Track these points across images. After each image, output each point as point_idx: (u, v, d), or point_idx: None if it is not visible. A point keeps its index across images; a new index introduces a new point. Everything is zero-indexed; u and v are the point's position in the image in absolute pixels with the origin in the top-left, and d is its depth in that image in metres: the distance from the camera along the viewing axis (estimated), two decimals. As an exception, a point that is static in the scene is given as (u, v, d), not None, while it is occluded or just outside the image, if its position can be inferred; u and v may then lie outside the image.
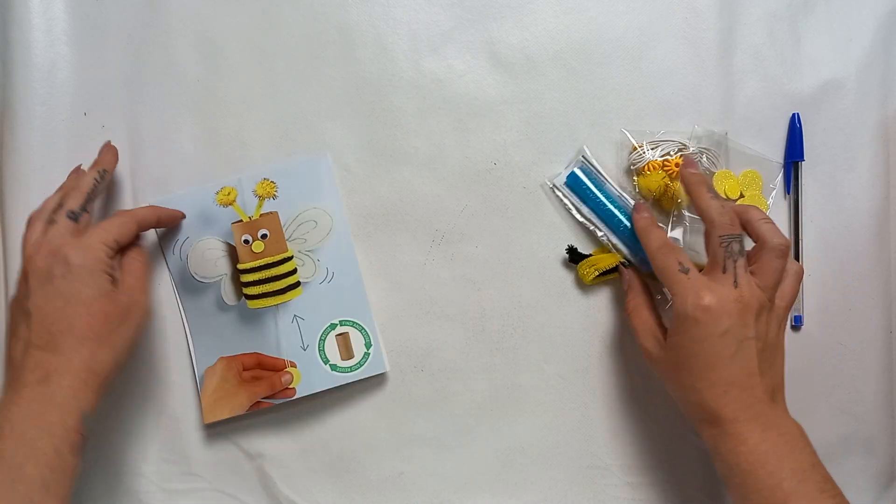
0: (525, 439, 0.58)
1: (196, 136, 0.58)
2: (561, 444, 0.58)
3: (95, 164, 0.54)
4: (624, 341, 0.57)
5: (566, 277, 0.58)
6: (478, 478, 0.58)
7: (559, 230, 0.58)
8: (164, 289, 0.57)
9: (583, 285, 0.58)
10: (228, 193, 0.57)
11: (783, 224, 0.58)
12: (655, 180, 0.55)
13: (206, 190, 0.57)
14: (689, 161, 0.53)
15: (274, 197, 0.57)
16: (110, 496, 0.58)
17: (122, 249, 0.51)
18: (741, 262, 0.47)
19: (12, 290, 0.57)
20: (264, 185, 0.57)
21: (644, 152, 0.56)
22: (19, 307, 0.48)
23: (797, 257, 0.58)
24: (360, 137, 0.57)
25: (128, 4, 0.58)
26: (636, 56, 0.58)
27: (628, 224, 0.55)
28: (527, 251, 0.58)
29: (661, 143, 0.56)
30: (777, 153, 0.58)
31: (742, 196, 0.56)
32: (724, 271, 0.47)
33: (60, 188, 0.52)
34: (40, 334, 0.46)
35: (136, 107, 0.58)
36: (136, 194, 0.57)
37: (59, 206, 0.49)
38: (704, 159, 0.56)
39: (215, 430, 0.58)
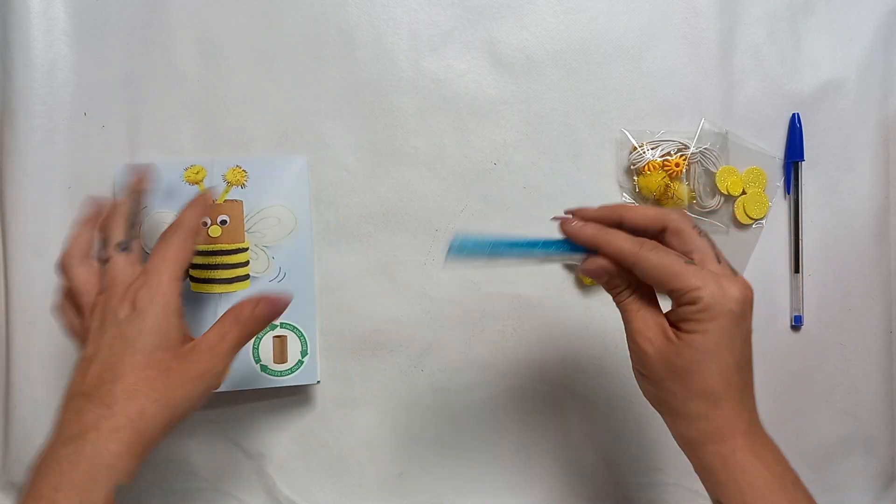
0: (525, 439, 0.58)
1: (196, 136, 0.58)
2: (561, 444, 0.58)
3: (128, 187, 0.49)
4: (624, 341, 0.57)
5: (566, 277, 0.58)
6: (478, 478, 0.58)
7: (559, 230, 0.58)
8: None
9: (583, 285, 0.58)
10: (197, 172, 0.56)
11: (783, 224, 0.58)
12: (655, 180, 0.55)
13: (176, 164, 0.56)
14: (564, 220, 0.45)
15: (242, 186, 0.56)
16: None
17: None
18: (722, 254, 0.41)
19: (12, 289, 0.57)
20: (235, 172, 0.56)
21: (644, 152, 0.56)
22: (83, 351, 0.42)
23: (797, 257, 0.58)
24: (360, 137, 0.57)
25: (128, 4, 0.58)
26: (636, 56, 0.58)
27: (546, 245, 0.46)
28: (527, 251, 0.58)
29: (661, 142, 0.56)
30: (777, 153, 0.58)
31: (744, 193, 0.56)
32: (720, 261, 0.40)
33: (84, 222, 0.47)
34: (90, 381, 0.40)
35: (136, 107, 0.58)
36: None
37: (103, 242, 0.45)
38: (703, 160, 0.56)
39: (215, 429, 0.57)
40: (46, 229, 0.57)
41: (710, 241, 0.40)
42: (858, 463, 0.58)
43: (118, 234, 0.45)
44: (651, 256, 0.40)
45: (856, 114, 0.58)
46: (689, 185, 0.56)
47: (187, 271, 0.41)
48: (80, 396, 0.40)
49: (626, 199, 0.57)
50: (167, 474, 0.58)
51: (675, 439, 0.41)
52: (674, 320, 0.40)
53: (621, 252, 0.40)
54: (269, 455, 0.58)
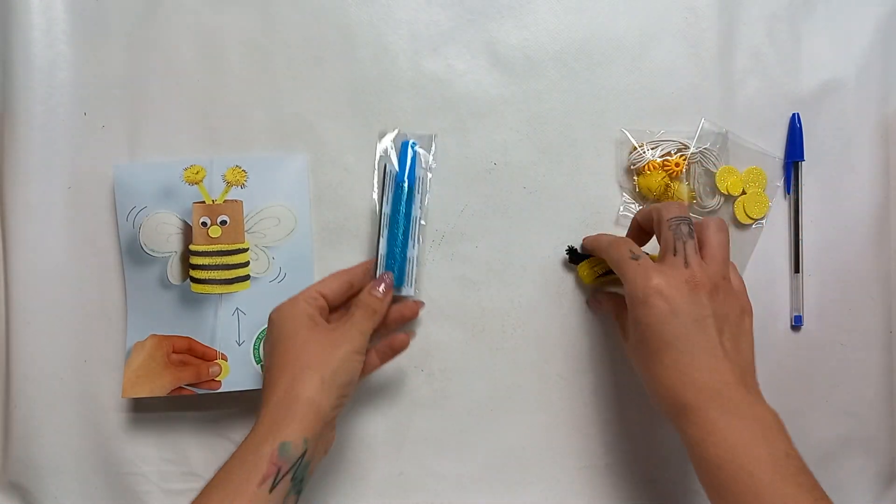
0: (525, 439, 0.58)
1: (196, 135, 0.58)
2: (561, 444, 0.58)
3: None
4: (624, 341, 0.57)
5: (566, 277, 0.58)
6: (478, 478, 0.58)
7: (559, 230, 0.58)
8: (112, 254, 0.57)
9: (583, 285, 0.58)
10: (197, 172, 0.56)
11: (783, 224, 0.58)
12: (655, 180, 0.55)
13: (176, 164, 0.56)
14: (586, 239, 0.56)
15: (242, 186, 0.56)
16: (110, 496, 0.58)
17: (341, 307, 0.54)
18: (690, 243, 0.46)
19: (12, 289, 0.57)
20: (235, 171, 0.56)
21: (644, 152, 0.56)
22: None
23: (797, 257, 0.58)
24: (360, 137, 0.57)
25: (128, 4, 0.58)
26: (636, 56, 0.58)
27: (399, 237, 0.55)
28: (527, 251, 0.58)
29: (661, 142, 0.56)
30: (777, 153, 0.58)
31: (744, 193, 0.56)
32: (675, 253, 0.46)
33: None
34: (264, 386, 0.48)
35: (136, 107, 0.58)
36: (136, 194, 0.57)
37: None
38: (703, 160, 0.56)
39: (215, 429, 0.57)
40: (46, 229, 0.57)
41: (678, 232, 0.46)
42: (858, 463, 0.58)
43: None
44: (611, 251, 0.49)
45: (856, 114, 0.58)
46: (689, 184, 0.56)
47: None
48: (265, 392, 0.47)
49: (626, 199, 0.57)
50: (167, 474, 0.58)
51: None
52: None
53: (599, 247, 0.52)
54: (269, 455, 0.57)
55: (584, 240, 0.55)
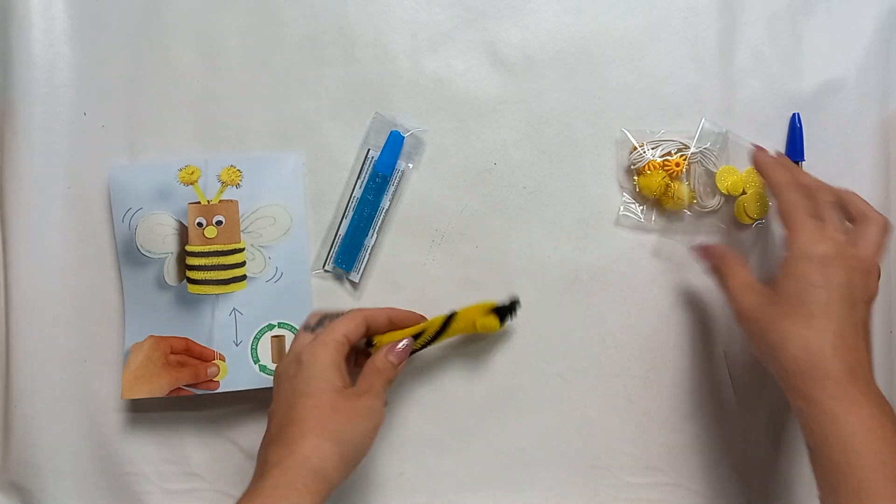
0: (525, 439, 0.58)
1: (196, 135, 0.58)
2: (561, 444, 0.58)
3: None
4: (624, 341, 0.57)
5: (566, 277, 0.58)
6: (478, 478, 0.58)
7: (559, 230, 0.58)
8: (108, 255, 0.57)
9: (583, 285, 0.58)
10: (192, 172, 0.56)
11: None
12: (656, 180, 0.55)
13: (171, 164, 0.56)
14: (761, 150, 0.52)
15: (237, 185, 0.56)
16: (110, 496, 0.58)
17: (362, 352, 0.53)
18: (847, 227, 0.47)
19: (12, 289, 0.57)
20: (230, 171, 0.56)
21: (644, 152, 0.56)
22: (268, 410, 0.48)
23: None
24: (359, 137, 0.57)
25: (128, 4, 0.58)
26: (636, 56, 0.58)
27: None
28: (527, 251, 0.58)
29: (662, 142, 0.56)
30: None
31: (744, 193, 0.56)
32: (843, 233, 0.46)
33: (314, 312, 0.53)
34: (273, 430, 0.46)
35: (136, 107, 0.58)
36: (136, 194, 0.57)
37: (306, 324, 0.52)
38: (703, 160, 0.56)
39: (215, 429, 0.57)
40: (46, 229, 0.57)
41: (833, 211, 0.46)
42: (858, 463, 0.58)
43: (312, 322, 0.51)
44: (789, 193, 0.47)
45: (856, 114, 0.58)
46: (689, 184, 0.56)
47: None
48: (266, 445, 0.46)
49: (626, 198, 0.57)
50: (167, 474, 0.58)
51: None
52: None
53: (773, 179, 0.49)
54: (269, 455, 0.57)
55: (758, 153, 0.51)
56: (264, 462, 0.44)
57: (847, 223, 0.47)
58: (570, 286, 0.58)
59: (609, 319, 0.57)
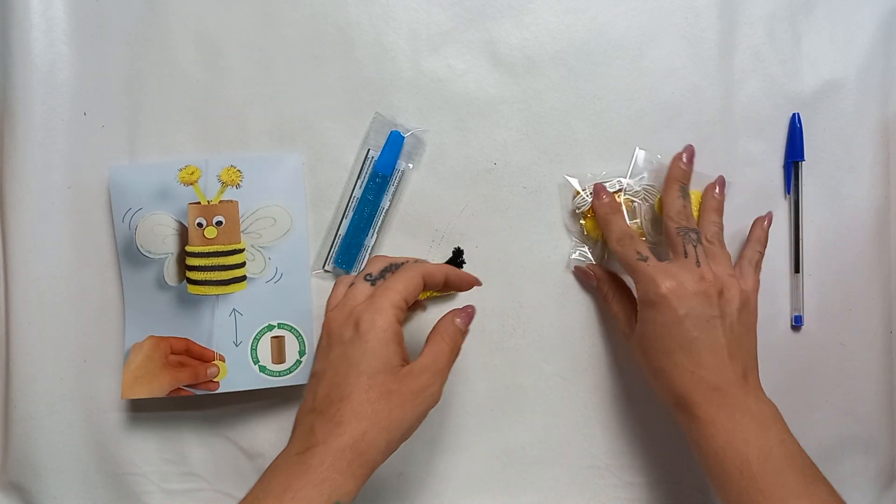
0: (525, 439, 0.58)
1: (196, 135, 0.58)
2: (561, 444, 0.58)
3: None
4: (624, 341, 0.57)
5: (566, 277, 0.58)
6: (478, 478, 0.58)
7: (559, 230, 0.58)
8: (108, 255, 0.57)
9: (583, 285, 0.58)
10: (192, 173, 0.56)
11: (783, 224, 0.58)
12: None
13: (171, 165, 0.56)
14: (600, 189, 0.55)
15: (237, 186, 0.56)
16: (110, 496, 0.58)
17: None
18: (700, 247, 0.49)
19: (12, 289, 0.57)
20: (230, 171, 0.56)
21: (586, 196, 0.56)
22: (314, 367, 0.46)
23: (797, 257, 0.58)
24: (359, 137, 0.57)
25: (128, 4, 0.58)
26: (636, 56, 0.58)
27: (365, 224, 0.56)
28: (527, 251, 0.58)
29: (604, 183, 0.56)
30: (777, 153, 0.58)
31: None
32: (686, 255, 0.48)
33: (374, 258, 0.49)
34: (321, 399, 0.43)
35: (136, 107, 0.58)
36: (136, 194, 0.57)
37: (361, 273, 0.47)
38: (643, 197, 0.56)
39: (215, 430, 0.57)
40: (46, 229, 0.57)
41: (688, 237, 0.49)
42: (858, 463, 0.58)
43: (374, 270, 0.47)
44: (618, 250, 0.51)
45: (856, 114, 0.58)
46: (637, 222, 0.56)
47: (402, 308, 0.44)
48: (312, 413, 0.43)
49: (575, 241, 0.57)
50: (167, 474, 0.58)
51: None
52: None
53: (608, 237, 0.53)
54: (269, 455, 0.57)
55: (595, 201, 0.55)
56: (310, 432, 0.42)
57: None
58: (570, 286, 0.58)
59: (609, 319, 0.57)
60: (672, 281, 0.47)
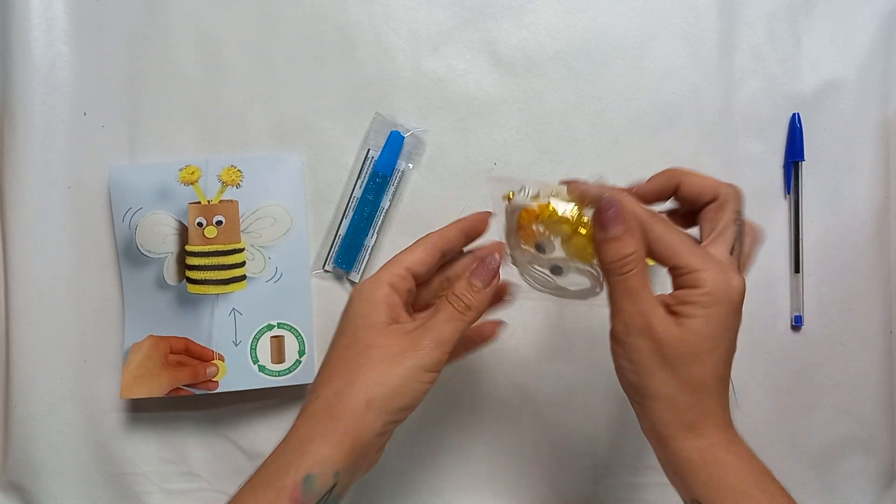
0: (525, 439, 0.58)
1: (196, 135, 0.58)
2: (561, 444, 0.58)
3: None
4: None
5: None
6: (478, 478, 0.58)
7: (559, 230, 0.58)
8: (108, 255, 0.57)
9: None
10: (192, 172, 0.56)
11: (783, 224, 0.58)
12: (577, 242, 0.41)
13: (171, 164, 0.56)
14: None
15: (238, 185, 0.56)
16: (110, 496, 0.58)
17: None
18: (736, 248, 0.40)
19: (12, 289, 0.57)
20: (230, 171, 0.56)
21: (524, 198, 0.42)
22: None
23: (797, 257, 0.57)
24: (359, 137, 0.57)
25: (128, 4, 0.58)
26: (636, 56, 0.58)
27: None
28: (527, 251, 0.58)
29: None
30: (777, 153, 0.58)
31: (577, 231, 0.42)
32: (731, 253, 0.39)
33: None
34: (317, 376, 0.40)
35: (136, 107, 0.58)
36: (136, 194, 0.57)
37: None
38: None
39: (215, 430, 0.57)
40: (46, 229, 0.57)
41: (737, 232, 0.40)
42: (858, 463, 0.58)
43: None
44: (658, 227, 0.38)
45: (856, 114, 0.58)
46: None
47: None
48: (309, 390, 0.41)
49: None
50: (167, 474, 0.58)
51: (645, 430, 0.40)
52: (671, 304, 0.38)
53: (635, 215, 0.38)
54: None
55: (584, 186, 0.40)
56: (301, 411, 0.40)
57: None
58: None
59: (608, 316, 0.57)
60: (742, 283, 0.37)
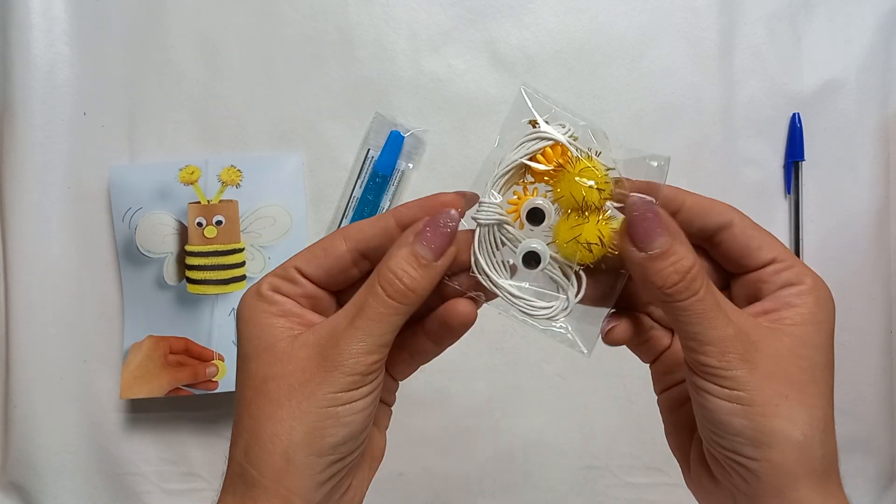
0: (525, 439, 0.58)
1: (196, 135, 0.57)
2: (561, 444, 0.58)
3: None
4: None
5: (566, 277, 0.58)
6: (478, 478, 0.58)
7: (559, 230, 0.58)
8: (108, 255, 0.57)
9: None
10: (192, 172, 0.56)
11: (783, 224, 0.58)
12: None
13: (171, 164, 0.56)
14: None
15: (237, 185, 0.56)
16: (110, 496, 0.58)
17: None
18: None
19: (12, 289, 0.57)
20: (230, 171, 0.56)
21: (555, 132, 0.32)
22: None
23: (797, 257, 0.57)
24: (359, 137, 0.57)
25: (128, 4, 0.58)
26: (636, 56, 0.58)
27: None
28: (527, 251, 0.58)
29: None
30: (777, 153, 0.58)
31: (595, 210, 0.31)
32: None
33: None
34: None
35: (136, 107, 0.58)
36: (136, 194, 0.57)
37: None
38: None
39: (215, 430, 0.57)
40: (46, 229, 0.57)
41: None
42: (858, 463, 0.58)
43: None
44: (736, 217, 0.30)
45: (856, 114, 0.58)
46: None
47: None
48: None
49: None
50: (167, 474, 0.58)
51: (750, 494, 0.28)
52: (756, 313, 0.29)
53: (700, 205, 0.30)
54: (269, 455, 0.57)
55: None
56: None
57: None
58: (570, 286, 0.58)
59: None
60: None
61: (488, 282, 0.31)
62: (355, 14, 0.57)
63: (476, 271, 0.31)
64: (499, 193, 0.33)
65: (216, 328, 0.55)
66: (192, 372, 0.55)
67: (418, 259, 0.29)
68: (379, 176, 0.56)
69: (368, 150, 0.57)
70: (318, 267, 0.30)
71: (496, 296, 0.32)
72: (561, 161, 0.30)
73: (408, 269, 0.29)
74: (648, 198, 0.28)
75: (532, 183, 0.32)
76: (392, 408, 0.36)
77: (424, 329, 0.33)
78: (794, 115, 0.57)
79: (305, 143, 0.57)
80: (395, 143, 0.56)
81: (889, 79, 0.58)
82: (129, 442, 0.57)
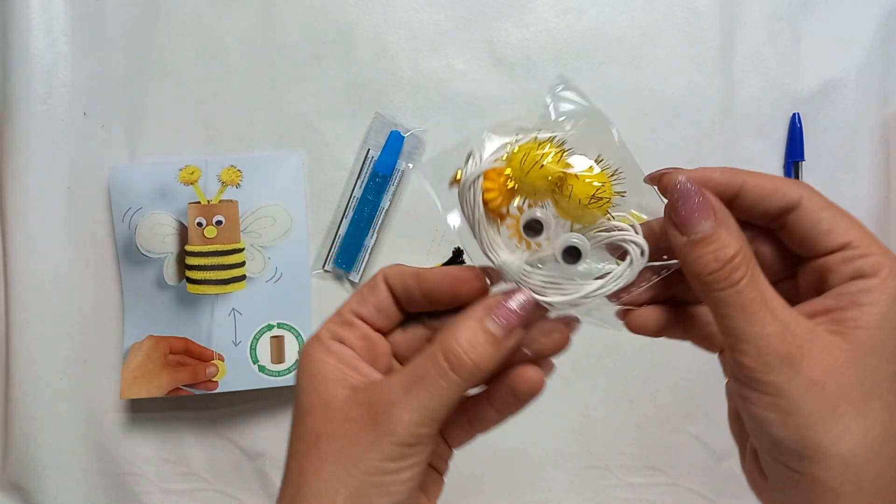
0: (525, 439, 0.58)
1: (196, 135, 0.57)
2: (561, 444, 0.58)
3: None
4: (624, 341, 0.57)
5: (566, 277, 0.58)
6: (478, 478, 0.58)
7: (559, 230, 0.58)
8: (108, 255, 0.57)
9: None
10: (192, 172, 0.56)
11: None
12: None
13: (171, 164, 0.56)
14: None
15: (237, 185, 0.56)
16: (110, 496, 0.58)
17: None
18: None
19: (12, 289, 0.57)
20: (230, 171, 0.56)
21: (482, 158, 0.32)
22: None
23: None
24: (359, 137, 0.57)
25: (128, 4, 0.58)
26: (636, 56, 0.58)
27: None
28: (527, 251, 0.58)
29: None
30: (777, 153, 0.58)
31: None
32: None
33: None
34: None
35: (136, 107, 0.58)
36: (136, 194, 0.57)
37: None
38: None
39: (215, 430, 0.57)
40: (46, 229, 0.57)
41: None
42: None
43: None
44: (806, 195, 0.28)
45: (856, 114, 0.58)
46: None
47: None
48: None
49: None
50: (167, 474, 0.58)
51: None
52: (815, 312, 0.26)
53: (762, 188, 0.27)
54: (269, 455, 0.57)
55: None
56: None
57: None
58: (570, 286, 0.58)
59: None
60: None
61: (566, 300, 0.30)
62: (355, 14, 0.57)
63: (549, 305, 0.30)
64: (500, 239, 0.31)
65: (216, 328, 0.55)
66: (192, 372, 0.55)
67: (488, 335, 0.28)
68: (379, 176, 0.56)
69: (368, 150, 0.57)
70: (370, 305, 0.30)
71: (578, 304, 0.30)
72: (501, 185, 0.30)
73: (476, 345, 0.27)
74: (691, 180, 0.26)
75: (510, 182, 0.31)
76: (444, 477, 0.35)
77: (489, 397, 0.32)
78: (794, 114, 0.57)
79: (305, 143, 0.57)
80: (395, 143, 0.56)
81: (889, 79, 0.58)
82: (129, 442, 0.57)
